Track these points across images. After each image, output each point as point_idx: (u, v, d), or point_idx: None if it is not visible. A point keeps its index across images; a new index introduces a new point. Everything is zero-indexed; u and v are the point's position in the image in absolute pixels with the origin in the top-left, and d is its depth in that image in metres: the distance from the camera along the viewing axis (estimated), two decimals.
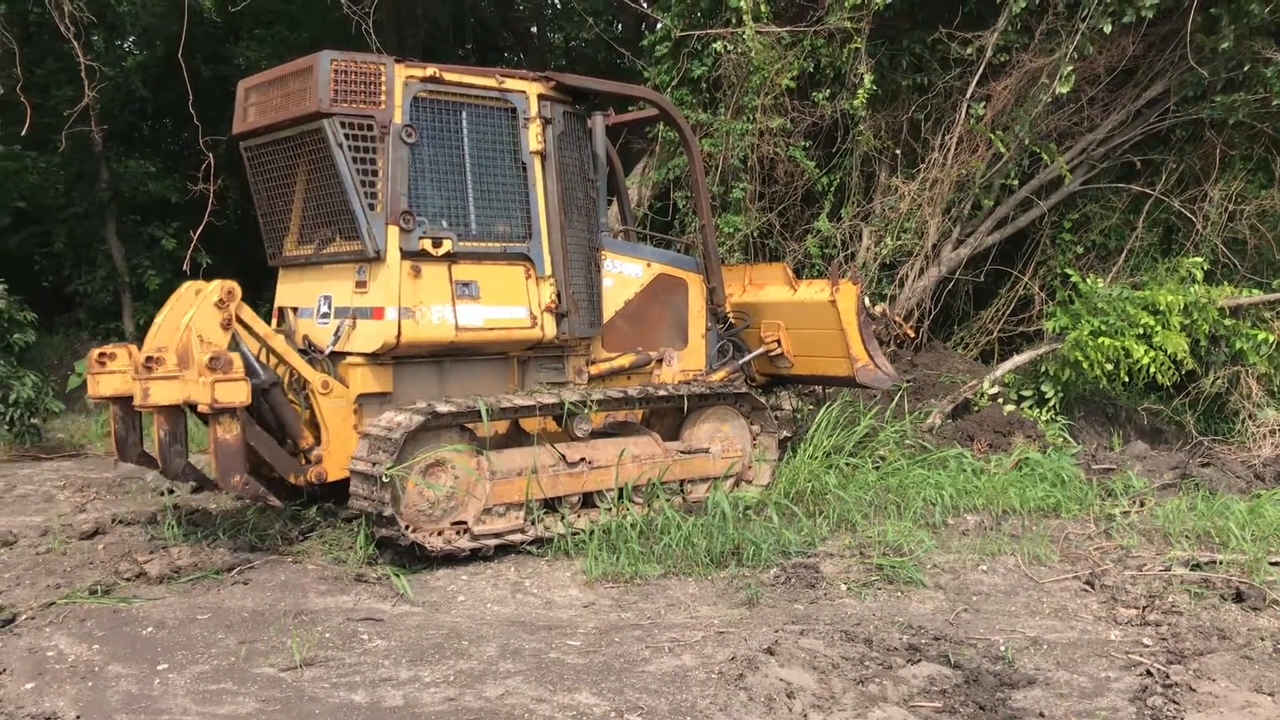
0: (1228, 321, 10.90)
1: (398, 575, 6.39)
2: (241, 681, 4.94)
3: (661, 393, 7.79)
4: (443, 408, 6.75)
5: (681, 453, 7.94)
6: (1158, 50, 11.48)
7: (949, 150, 11.50)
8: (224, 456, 6.48)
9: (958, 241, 12.04)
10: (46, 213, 15.67)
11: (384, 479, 6.37)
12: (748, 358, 8.93)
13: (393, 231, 6.90)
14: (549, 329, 7.53)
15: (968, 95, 11.36)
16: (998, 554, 7.12)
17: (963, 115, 11.39)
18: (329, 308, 7.40)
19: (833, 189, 12.09)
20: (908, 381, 10.97)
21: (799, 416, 10.13)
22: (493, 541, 6.88)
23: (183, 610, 5.79)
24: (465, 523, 6.88)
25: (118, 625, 5.58)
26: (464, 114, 7.26)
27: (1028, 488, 8.40)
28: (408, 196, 6.94)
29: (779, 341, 8.90)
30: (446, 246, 7.10)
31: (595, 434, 7.74)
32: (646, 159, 12.81)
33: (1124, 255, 12.08)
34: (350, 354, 7.12)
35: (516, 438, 7.48)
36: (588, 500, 7.49)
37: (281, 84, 7.14)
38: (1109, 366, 10.34)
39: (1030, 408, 10.75)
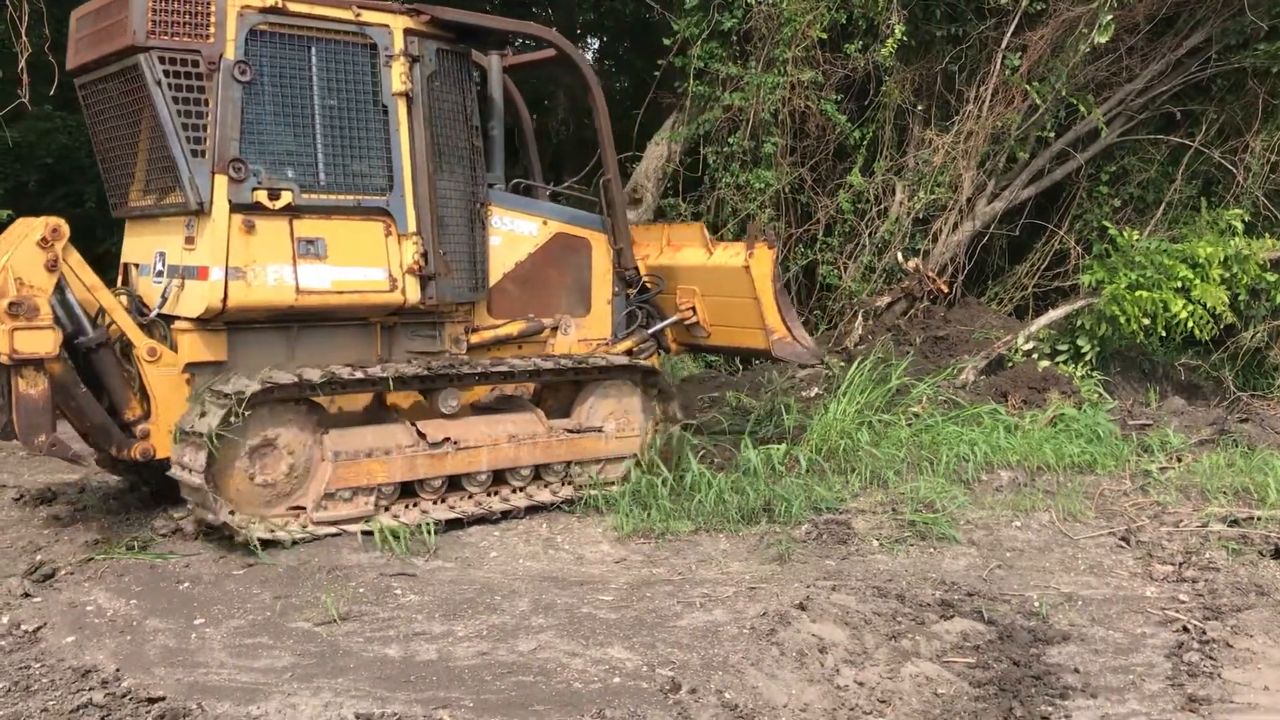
0: (1269, 276, 10.71)
1: (425, 530, 6.42)
2: (277, 635, 4.98)
3: (501, 368, 6.93)
4: (230, 386, 6.05)
5: (569, 431, 7.21)
6: None
7: (984, 102, 11.33)
8: (27, 413, 5.87)
9: (992, 195, 11.89)
10: (78, 173, 15.74)
11: (200, 459, 5.83)
12: (658, 326, 8.07)
13: (220, 181, 6.07)
14: (412, 293, 6.65)
15: (1003, 46, 11.16)
16: (1032, 510, 7.07)
17: (998, 66, 11.21)
18: (163, 265, 6.59)
19: (865, 143, 11.95)
20: (939, 337, 10.87)
21: (831, 374, 10.05)
22: (330, 530, 6.26)
23: (218, 566, 5.84)
24: (305, 508, 6.31)
25: (155, 580, 5.64)
26: (313, 49, 6.39)
27: (1063, 444, 8.32)
28: (239, 142, 6.10)
29: (694, 309, 8.02)
30: (286, 199, 6.25)
31: (480, 409, 7.21)
32: (676, 114, 12.68)
33: (1162, 208, 11.88)
34: (179, 318, 6.36)
35: (379, 414, 6.86)
36: (455, 484, 6.81)
37: (105, 13, 6.31)
38: (1146, 321, 10.19)
39: (1065, 363, 10.63)
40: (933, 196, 11.57)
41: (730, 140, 11.76)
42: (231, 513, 6.06)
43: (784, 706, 4.31)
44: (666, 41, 12.14)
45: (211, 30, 6.06)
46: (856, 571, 5.94)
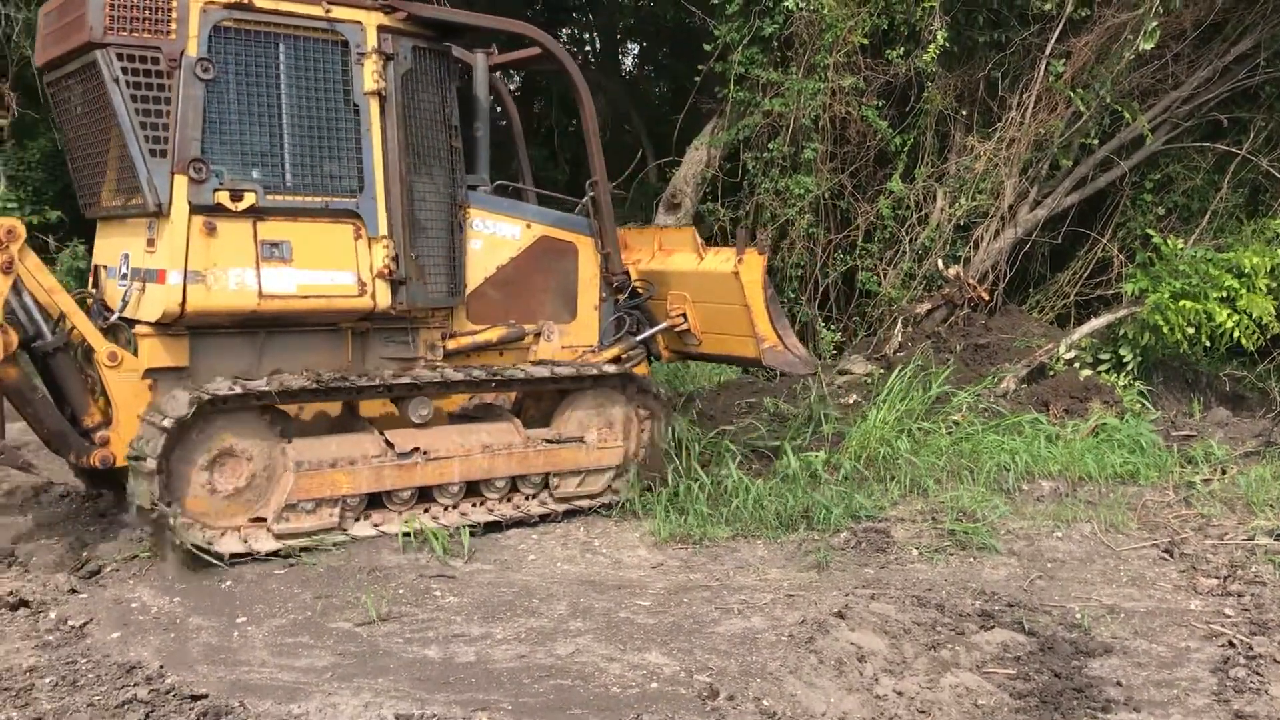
0: None
1: (455, 533, 6.45)
2: (318, 635, 5.03)
3: (458, 376, 6.65)
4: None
5: (548, 441, 6.95)
6: (1248, 3, 11.06)
7: (1026, 109, 11.21)
8: None
9: (1035, 202, 11.77)
10: None
11: (152, 468, 5.66)
12: (646, 334, 7.82)
13: (180, 182, 5.89)
14: (382, 298, 6.47)
15: (1047, 52, 11.05)
16: (1073, 521, 7.00)
17: (1041, 73, 11.09)
18: (127, 267, 6.43)
19: (906, 149, 11.87)
20: (980, 345, 10.78)
21: (869, 381, 10.01)
22: (295, 542, 6.06)
23: (260, 565, 5.90)
24: (266, 519, 6.11)
25: (197, 578, 5.70)
26: (281, 47, 6.19)
27: (1105, 454, 8.24)
28: (200, 142, 5.92)
29: (684, 316, 7.79)
30: (250, 200, 6.07)
31: (456, 418, 7.06)
32: (716, 119, 12.67)
33: (1207, 216, 11.69)
34: (140, 322, 6.18)
35: (349, 422, 6.68)
36: (426, 495, 6.61)
37: (66, 9, 6.17)
38: (1190, 330, 10.05)
39: (1107, 372, 10.50)
40: (974, 203, 11.46)
41: (770, 146, 11.73)
42: (193, 527, 5.83)
43: (822, 715, 4.30)
44: (707, 47, 12.14)
45: (173, 27, 5.89)
46: (896, 580, 5.91)
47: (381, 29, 6.48)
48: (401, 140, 6.55)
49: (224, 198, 6.02)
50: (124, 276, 6.42)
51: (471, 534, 6.41)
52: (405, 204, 6.57)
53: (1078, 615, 5.41)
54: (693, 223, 13.37)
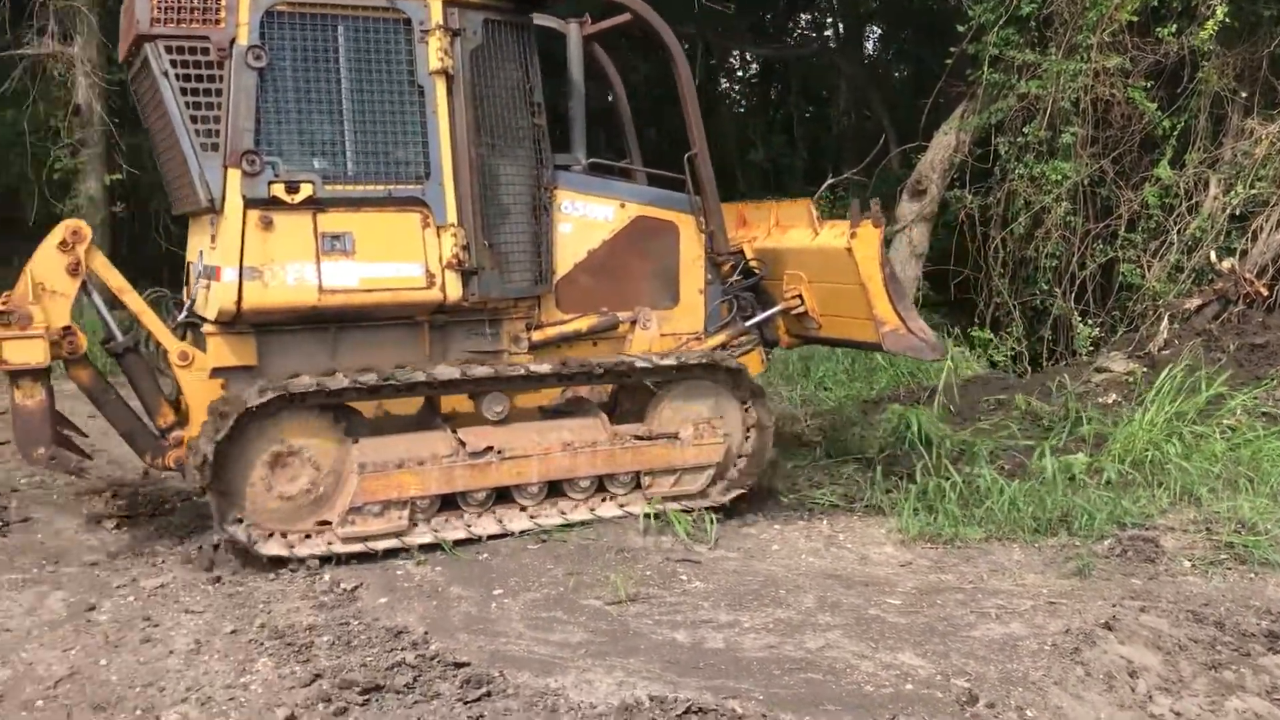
0: None
1: (700, 519, 6.45)
2: (570, 611, 5.13)
3: (512, 372, 6.12)
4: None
5: (637, 438, 6.49)
6: None
7: None
8: (23, 425, 5.70)
9: None
10: None
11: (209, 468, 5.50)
12: (759, 318, 7.20)
13: (233, 175, 5.67)
14: (452, 290, 6.06)
15: None
16: None
17: None
18: (200, 265, 6.29)
19: (1175, 133, 11.09)
20: (1256, 345, 9.95)
21: (1131, 380, 9.41)
22: (357, 547, 5.78)
23: (514, 539, 6.08)
24: (331, 522, 5.86)
25: (454, 549, 5.93)
26: (340, 28, 5.87)
27: None
28: (254, 133, 5.68)
29: (800, 297, 7.11)
30: (307, 191, 5.77)
31: (548, 413, 6.65)
32: (966, 102, 12.23)
33: None
34: (205, 320, 6.01)
35: (429, 419, 6.35)
36: (505, 496, 6.25)
37: (128, 5, 5.94)
38: None
39: None
40: (1253, 191, 10.57)
41: (1025, 130, 11.23)
42: (241, 522, 5.67)
43: None
44: (960, 28, 11.71)
45: (222, 15, 5.67)
46: (1166, 593, 5.52)
47: (448, 3, 6.06)
48: (472, 121, 6.15)
49: (280, 190, 5.75)
50: (200, 274, 6.31)
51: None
52: (477, 189, 6.17)
53: None
54: (938, 211, 13.00)
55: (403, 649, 4.61)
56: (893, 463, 7.79)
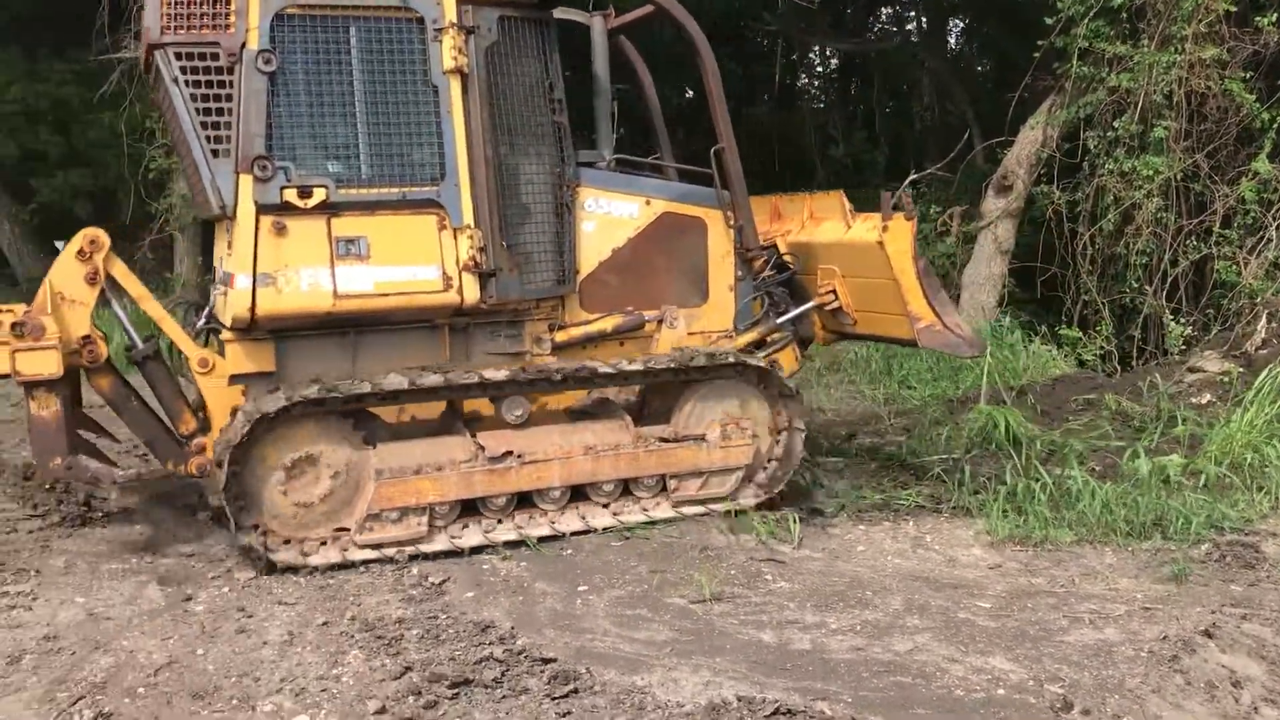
0: None
1: (793, 521, 6.40)
2: (655, 609, 5.14)
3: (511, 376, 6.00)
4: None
5: (662, 440, 6.35)
6: None
7: None
8: (39, 436, 5.65)
9: None
10: None
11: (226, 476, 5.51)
12: (791, 314, 7.02)
13: (245, 181, 5.61)
14: (470, 292, 5.95)
15: None
16: None
17: None
18: (220, 271, 6.28)
19: (1275, 126, 10.74)
20: None
21: (1226, 380, 9.13)
22: (371, 554, 5.75)
23: (597, 536, 6.10)
24: (349, 529, 5.82)
25: (540, 546, 5.97)
26: (351, 30, 5.78)
27: None
28: (265, 138, 5.62)
29: (834, 292, 6.90)
30: (320, 196, 5.68)
31: (575, 415, 6.54)
32: (1054, 96, 11.95)
33: None
34: (223, 327, 5.99)
35: (450, 423, 6.27)
36: (526, 500, 6.16)
37: (144, 12, 5.90)
38: None
39: None
40: None
41: (1115, 124, 10.91)
42: (257, 529, 5.66)
43: None
44: (1048, 20, 11.45)
45: (231, 20, 5.63)
46: (1270, 601, 5.35)
47: (461, 1, 5.94)
48: (488, 120, 6.04)
49: (292, 195, 5.67)
50: (218, 280, 6.32)
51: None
52: (494, 189, 6.07)
53: None
54: (1024, 207, 12.75)
55: (490, 643, 4.65)
56: (979, 463, 7.66)
